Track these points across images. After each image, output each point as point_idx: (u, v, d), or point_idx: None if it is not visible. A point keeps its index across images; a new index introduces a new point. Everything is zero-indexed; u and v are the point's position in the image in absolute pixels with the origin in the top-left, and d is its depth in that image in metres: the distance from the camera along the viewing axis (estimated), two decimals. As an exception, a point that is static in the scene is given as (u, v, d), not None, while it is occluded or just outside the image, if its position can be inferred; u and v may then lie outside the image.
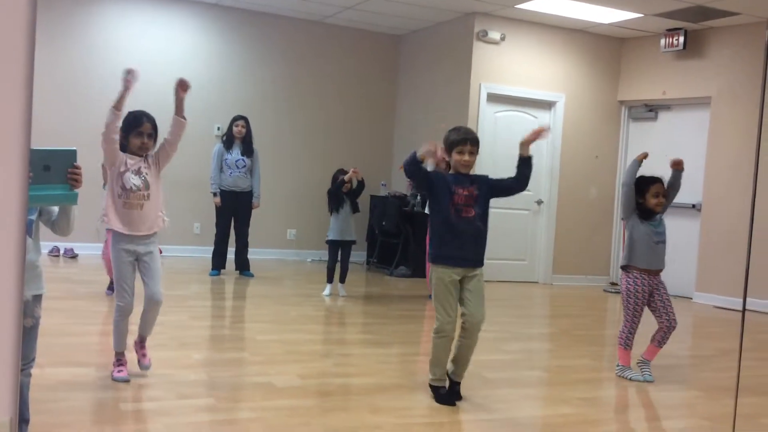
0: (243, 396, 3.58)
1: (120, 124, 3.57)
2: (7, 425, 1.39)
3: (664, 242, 4.35)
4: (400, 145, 9.61)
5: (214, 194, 7.39)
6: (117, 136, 3.57)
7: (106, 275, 5.92)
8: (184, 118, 3.70)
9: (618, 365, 4.42)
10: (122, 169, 3.60)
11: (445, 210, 3.62)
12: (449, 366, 3.75)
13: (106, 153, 3.63)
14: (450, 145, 3.67)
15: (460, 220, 3.61)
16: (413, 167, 3.60)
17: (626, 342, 4.39)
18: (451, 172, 3.79)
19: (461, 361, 3.71)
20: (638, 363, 4.41)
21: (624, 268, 4.38)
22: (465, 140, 3.64)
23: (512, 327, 5.93)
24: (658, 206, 4.31)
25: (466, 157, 3.64)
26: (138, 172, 3.62)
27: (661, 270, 4.37)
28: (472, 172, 3.74)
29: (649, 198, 4.30)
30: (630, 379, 4.32)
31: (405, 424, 3.33)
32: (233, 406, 3.42)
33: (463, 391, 3.75)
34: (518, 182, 3.72)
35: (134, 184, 3.60)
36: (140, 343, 3.80)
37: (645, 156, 4.37)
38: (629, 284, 4.34)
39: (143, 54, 8.28)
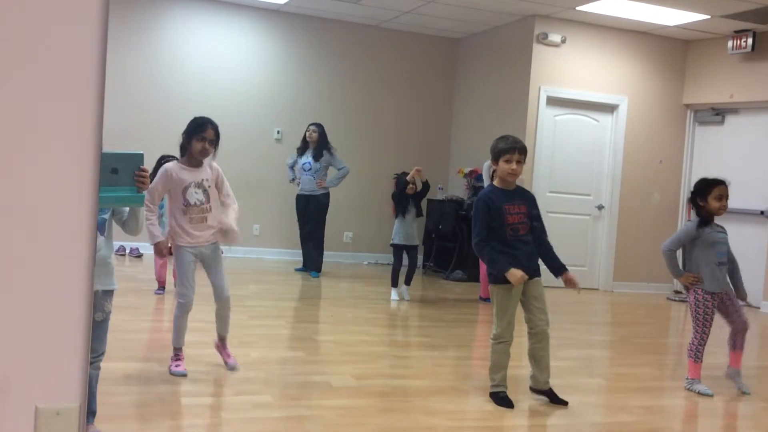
0: (299, 394, 3.63)
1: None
2: (77, 411, 1.45)
3: (725, 263, 4.22)
4: (457, 148, 9.58)
5: (292, 179, 7.94)
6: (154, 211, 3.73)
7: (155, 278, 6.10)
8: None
9: (687, 378, 4.28)
10: (183, 186, 3.73)
11: (501, 231, 3.63)
12: (532, 382, 3.77)
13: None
14: (497, 154, 3.68)
15: (517, 240, 3.63)
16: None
17: (696, 354, 4.24)
18: (494, 182, 3.78)
19: (541, 364, 3.70)
20: (727, 375, 4.29)
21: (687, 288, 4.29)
22: (513, 149, 3.64)
23: (571, 333, 5.83)
24: (721, 210, 4.16)
25: (514, 166, 3.64)
26: (199, 185, 3.76)
27: (726, 291, 4.24)
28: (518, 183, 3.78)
29: (711, 201, 4.14)
30: (699, 392, 4.16)
31: (459, 426, 3.33)
32: (290, 403, 3.48)
33: (518, 395, 3.73)
34: (543, 246, 3.74)
35: (198, 199, 3.75)
36: (221, 344, 3.98)
37: None
38: (698, 296, 4.21)
39: (207, 58, 8.47)
